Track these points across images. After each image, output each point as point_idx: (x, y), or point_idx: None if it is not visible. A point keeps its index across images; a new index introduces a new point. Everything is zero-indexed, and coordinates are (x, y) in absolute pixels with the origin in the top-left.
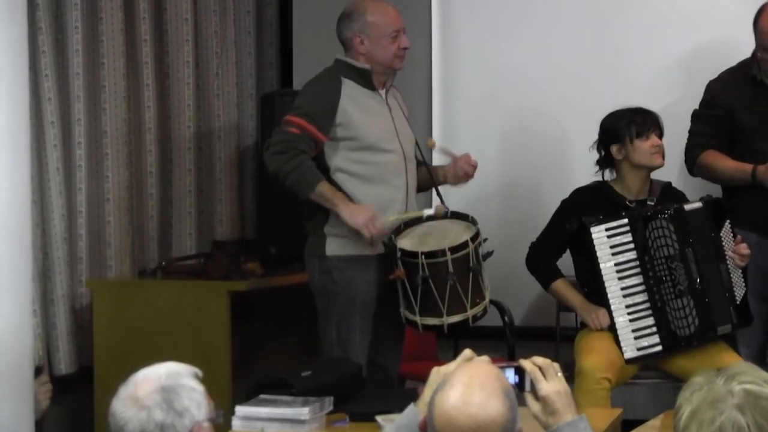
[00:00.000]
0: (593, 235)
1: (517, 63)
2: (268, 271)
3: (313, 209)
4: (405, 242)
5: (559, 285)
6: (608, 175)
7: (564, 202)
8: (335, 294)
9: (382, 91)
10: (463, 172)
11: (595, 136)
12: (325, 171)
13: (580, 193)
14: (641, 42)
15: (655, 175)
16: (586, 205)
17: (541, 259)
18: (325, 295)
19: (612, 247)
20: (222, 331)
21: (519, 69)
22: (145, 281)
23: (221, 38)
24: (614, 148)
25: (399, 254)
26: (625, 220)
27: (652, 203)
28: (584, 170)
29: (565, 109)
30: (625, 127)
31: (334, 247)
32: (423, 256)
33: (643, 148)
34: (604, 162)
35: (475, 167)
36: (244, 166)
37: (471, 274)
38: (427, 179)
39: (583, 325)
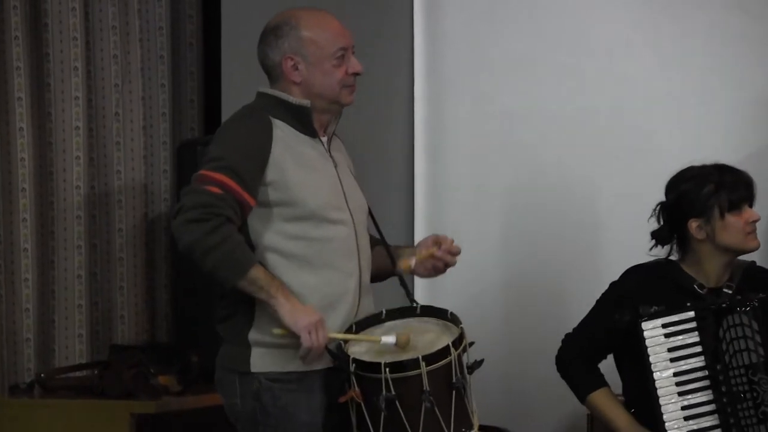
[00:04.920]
0: (645, 333)
1: (533, 99)
2: (187, 387)
3: (230, 305)
4: (361, 351)
5: (601, 397)
6: (671, 254)
7: (615, 285)
8: (267, 427)
9: (324, 138)
10: (442, 263)
11: (645, 199)
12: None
13: (639, 273)
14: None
15: None
16: (648, 291)
17: (577, 357)
18: (253, 429)
19: (671, 350)
20: None
21: (536, 107)
22: (17, 401)
23: (122, 65)
24: (694, 225)
25: (353, 367)
26: (691, 313)
27: (729, 291)
28: (629, 248)
29: (602, 161)
30: (714, 196)
31: (263, 360)
32: (387, 369)
33: (736, 225)
34: (669, 237)
35: (457, 254)
36: (155, 242)
37: (454, 393)
38: (385, 265)
39: None
